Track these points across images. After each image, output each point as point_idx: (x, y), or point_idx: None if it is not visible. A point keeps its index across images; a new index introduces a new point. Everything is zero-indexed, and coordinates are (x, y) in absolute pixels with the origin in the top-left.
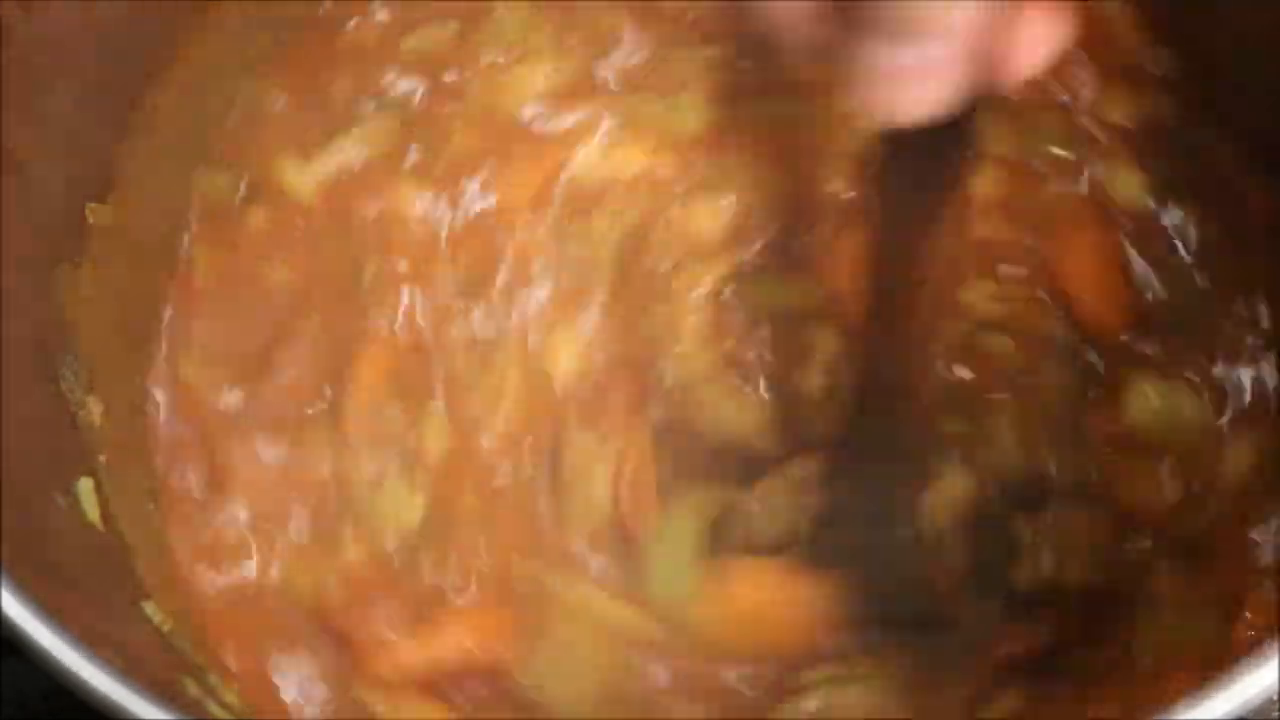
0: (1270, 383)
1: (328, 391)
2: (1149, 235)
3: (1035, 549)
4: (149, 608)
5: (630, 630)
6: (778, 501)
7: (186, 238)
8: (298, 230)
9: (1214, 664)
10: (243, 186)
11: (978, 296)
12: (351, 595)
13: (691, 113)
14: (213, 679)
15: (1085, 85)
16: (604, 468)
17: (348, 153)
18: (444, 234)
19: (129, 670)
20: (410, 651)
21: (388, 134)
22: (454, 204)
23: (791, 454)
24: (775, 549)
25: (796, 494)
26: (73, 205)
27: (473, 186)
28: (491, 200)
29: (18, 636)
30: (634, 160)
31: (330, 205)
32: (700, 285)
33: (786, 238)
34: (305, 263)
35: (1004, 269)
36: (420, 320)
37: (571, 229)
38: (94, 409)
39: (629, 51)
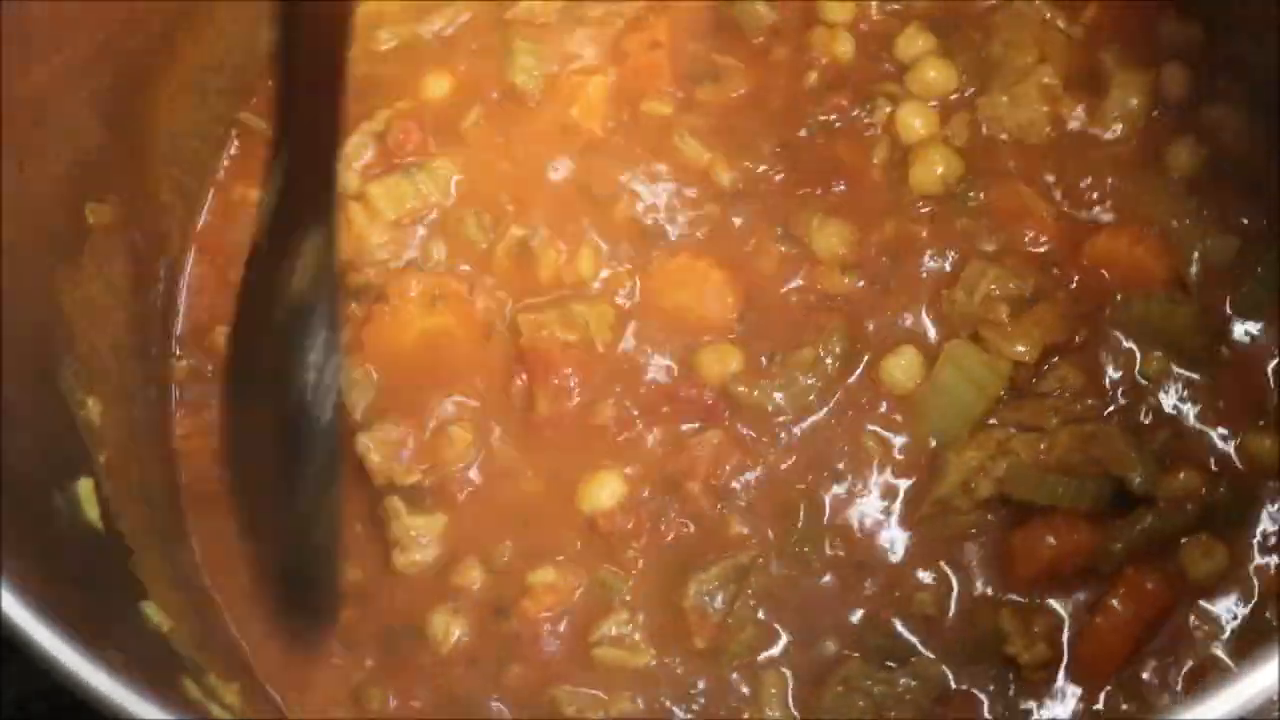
0: None
1: None
2: None
3: None
4: (149, 608)
5: None
6: None
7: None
8: None
9: None
10: None
11: None
12: None
13: None
14: (213, 679)
15: None
16: None
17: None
18: None
19: (129, 670)
20: None
21: None
22: None
23: None
24: None
25: None
26: (73, 205)
27: None
28: None
29: (18, 636)
30: None
31: None
32: None
33: None
34: None
35: None
36: None
37: None
38: (94, 409)
39: None
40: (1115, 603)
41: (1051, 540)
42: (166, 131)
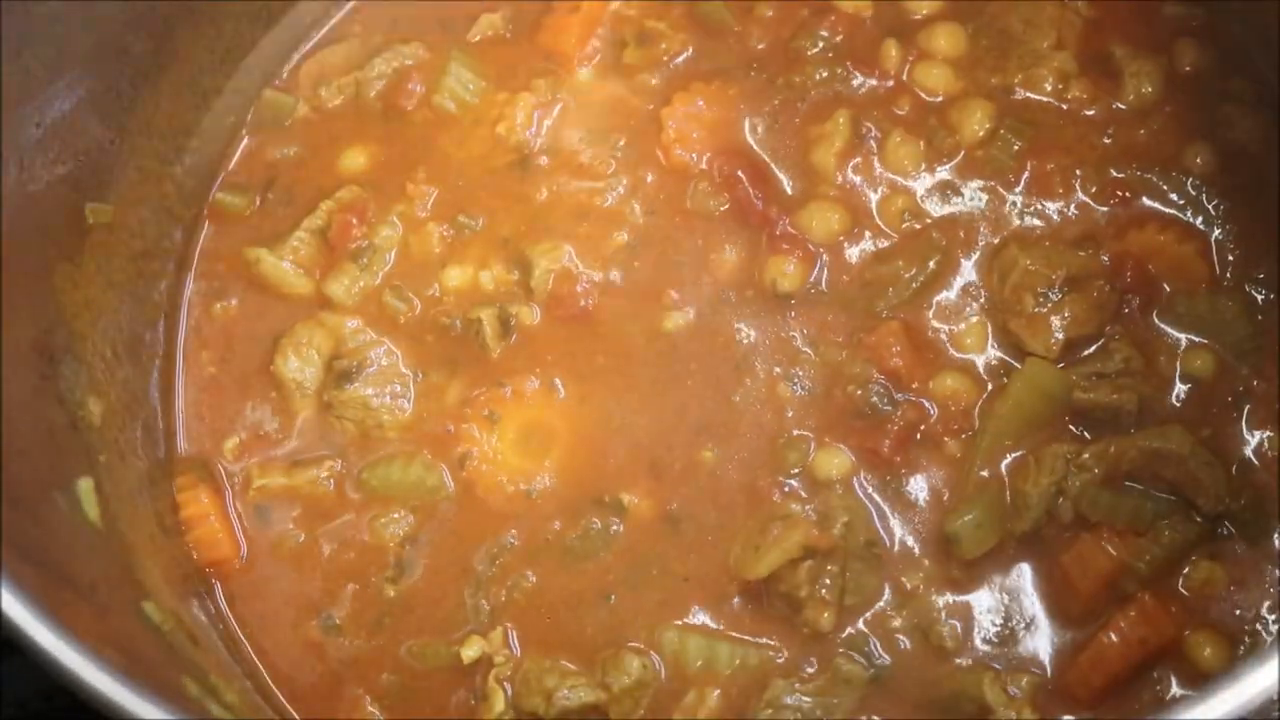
0: None
1: None
2: None
3: None
4: (149, 608)
5: None
6: None
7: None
8: None
9: None
10: None
11: None
12: None
13: None
14: (213, 679)
15: None
16: None
17: None
18: None
19: (129, 670)
20: None
21: None
22: None
23: None
24: None
25: None
26: (73, 205)
27: None
28: None
29: (18, 636)
30: None
31: None
32: None
33: None
34: None
35: None
36: None
37: None
38: (94, 409)
39: None
40: (1124, 625)
41: (1112, 551)
42: (166, 132)
